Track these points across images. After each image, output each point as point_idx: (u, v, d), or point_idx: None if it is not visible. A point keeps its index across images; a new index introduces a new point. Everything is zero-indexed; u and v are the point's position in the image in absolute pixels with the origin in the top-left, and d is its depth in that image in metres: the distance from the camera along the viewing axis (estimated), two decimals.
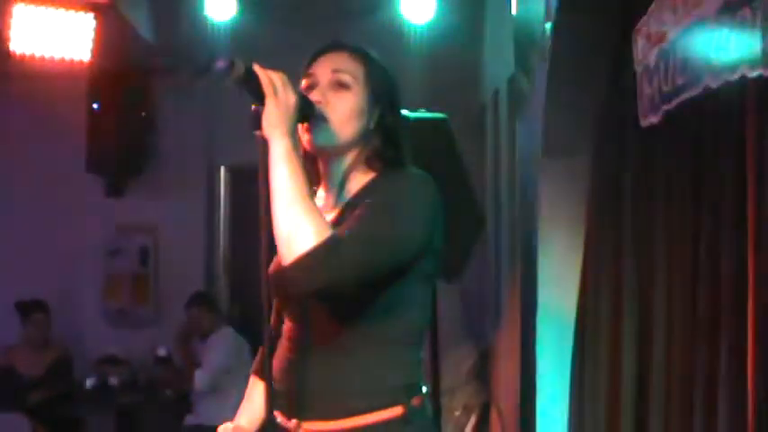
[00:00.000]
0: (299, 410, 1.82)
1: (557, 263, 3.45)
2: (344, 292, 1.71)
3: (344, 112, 1.86)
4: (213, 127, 6.73)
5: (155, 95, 6.56)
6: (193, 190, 6.74)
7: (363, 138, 1.89)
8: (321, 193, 1.95)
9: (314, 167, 1.93)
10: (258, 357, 2.15)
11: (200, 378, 5.41)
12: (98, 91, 6.32)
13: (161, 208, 6.66)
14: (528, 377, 3.69)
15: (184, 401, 5.71)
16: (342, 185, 1.91)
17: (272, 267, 1.87)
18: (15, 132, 6.58)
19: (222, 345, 5.56)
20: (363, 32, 4.40)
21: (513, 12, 4.06)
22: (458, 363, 5.44)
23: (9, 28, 4.98)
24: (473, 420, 5.28)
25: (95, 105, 6.31)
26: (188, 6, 5.67)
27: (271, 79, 1.73)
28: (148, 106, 6.57)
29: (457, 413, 5.25)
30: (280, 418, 1.86)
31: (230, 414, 2.09)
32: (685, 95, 2.38)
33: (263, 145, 1.74)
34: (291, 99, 1.75)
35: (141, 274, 6.77)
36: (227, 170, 6.98)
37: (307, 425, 1.82)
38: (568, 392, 3.36)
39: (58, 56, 5.21)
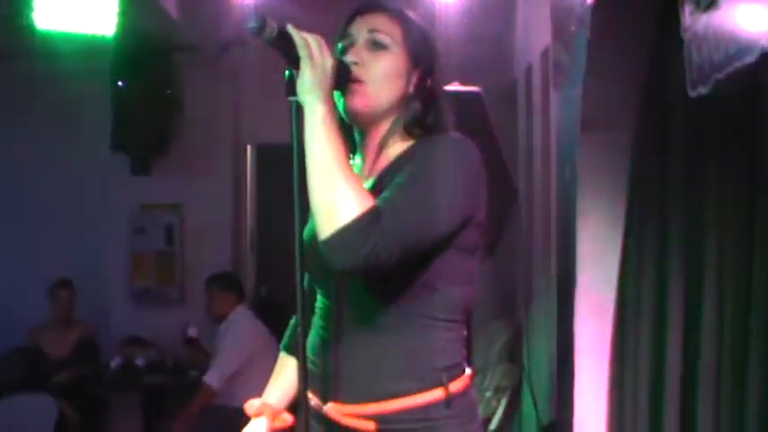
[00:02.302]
0: (335, 393, 1.73)
1: (595, 238, 3.33)
2: (387, 267, 1.59)
3: (381, 73, 1.75)
4: (240, 105, 6.67)
5: (180, 73, 6.48)
6: (220, 168, 6.68)
7: (402, 102, 1.78)
8: (357, 161, 1.84)
9: (349, 135, 1.82)
10: (288, 332, 2.06)
11: (212, 378, 5.29)
12: (123, 69, 6.26)
13: (187, 186, 6.61)
14: (565, 358, 3.58)
15: None
16: (379, 153, 1.80)
17: (306, 242, 1.75)
18: (40, 111, 6.54)
19: (236, 332, 5.45)
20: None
21: None
22: (489, 342, 5.32)
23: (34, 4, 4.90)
24: (504, 402, 5.16)
25: (120, 83, 6.25)
26: None
27: (306, 41, 1.63)
28: (174, 84, 6.49)
29: (488, 394, 5.12)
30: (314, 400, 1.76)
31: (255, 394, 2.02)
32: (739, 63, 2.26)
33: (298, 111, 1.63)
34: (328, 62, 1.64)
35: (167, 253, 6.71)
36: (253, 148, 6.92)
37: (343, 408, 1.72)
38: (607, 377, 3.24)
39: (82, 33, 5.13)
